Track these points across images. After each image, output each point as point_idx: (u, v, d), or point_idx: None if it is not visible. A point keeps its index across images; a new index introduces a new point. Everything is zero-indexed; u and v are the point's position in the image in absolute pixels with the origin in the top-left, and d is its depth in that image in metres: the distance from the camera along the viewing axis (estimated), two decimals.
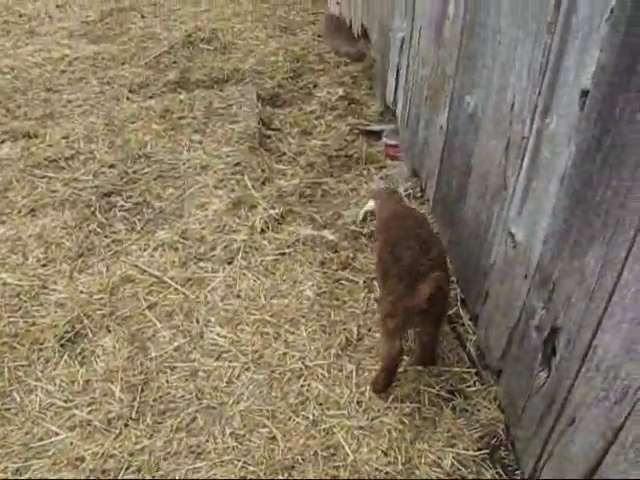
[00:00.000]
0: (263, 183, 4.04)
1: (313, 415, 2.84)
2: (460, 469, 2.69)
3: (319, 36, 6.34)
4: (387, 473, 2.67)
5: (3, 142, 4.75)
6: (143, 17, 7.45)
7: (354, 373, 2.99)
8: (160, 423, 2.84)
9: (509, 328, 2.77)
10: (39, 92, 5.60)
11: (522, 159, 2.57)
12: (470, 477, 2.67)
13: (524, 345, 2.66)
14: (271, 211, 3.76)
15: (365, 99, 5.12)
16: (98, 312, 3.27)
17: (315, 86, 5.26)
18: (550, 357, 2.37)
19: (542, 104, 2.39)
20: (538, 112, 2.43)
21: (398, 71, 4.45)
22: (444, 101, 3.50)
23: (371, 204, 3.49)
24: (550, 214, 2.33)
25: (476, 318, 3.16)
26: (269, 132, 4.63)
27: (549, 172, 2.33)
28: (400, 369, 2.96)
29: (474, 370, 3.04)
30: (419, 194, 4.03)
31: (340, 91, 5.07)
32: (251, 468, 2.68)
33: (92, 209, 3.96)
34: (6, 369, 3.09)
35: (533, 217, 2.49)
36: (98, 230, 3.78)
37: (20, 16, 7.83)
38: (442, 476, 2.67)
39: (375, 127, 4.58)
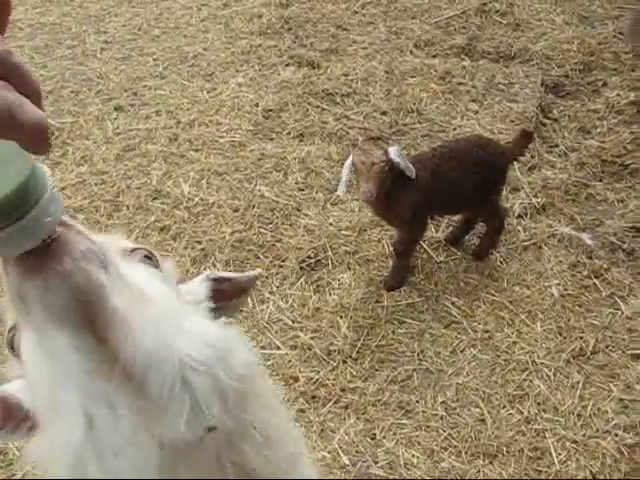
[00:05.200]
0: (530, 169, 3.90)
1: (528, 412, 2.74)
2: None
3: (620, 33, 5.97)
4: None
5: (287, 65, 4.93)
6: None
7: (580, 384, 2.84)
8: (377, 370, 2.87)
9: None
10: (329, 27, 5.73)
11: None
12: None
13: None
14: (533, 199, 3.63)
15: None
16: (343, 247, 3.34)
17: (604, 84, 4.96)
18: None
19: None
20: None
21: None
22: None
23: (347, 166, 3.03)
24: None
25: None
26: (546, 120, 4.44)
27: None
28: (624, 395, 2.79)
29: None
30: None
31: (631, 95, 4.73)
32: (454, 442, 2.65)
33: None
34: None
35: None
36: None
37: None
38: None
39: None
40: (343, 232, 3.41)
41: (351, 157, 2.98)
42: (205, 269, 3.28)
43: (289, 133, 4.18)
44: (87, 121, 4.33)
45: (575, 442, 2.67)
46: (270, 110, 4.36)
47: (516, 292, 3.16)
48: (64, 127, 4.25)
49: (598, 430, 2.71)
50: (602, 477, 2.57)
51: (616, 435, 2.69)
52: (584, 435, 2.69)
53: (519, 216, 3.54)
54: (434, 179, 3.00)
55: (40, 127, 0.68)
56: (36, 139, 0.69)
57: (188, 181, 3.78)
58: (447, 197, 3.08)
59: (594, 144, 4.24)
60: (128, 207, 3.67)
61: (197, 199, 3.67)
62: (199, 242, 3.42)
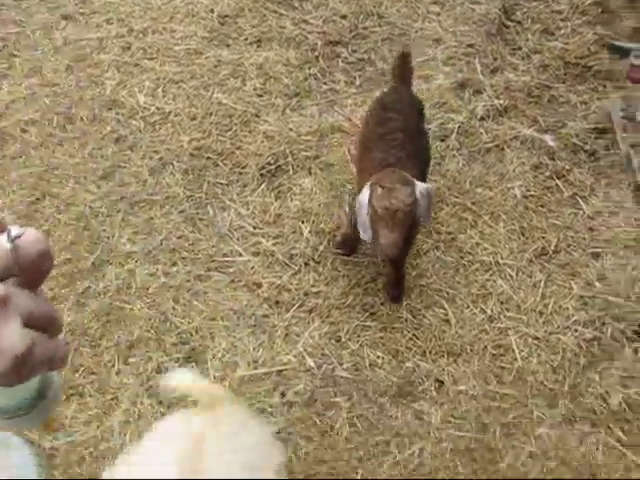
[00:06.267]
0: (493, 71, 3.83)
1: (492, 311, 2.76)
2: (626, 412, 2.56)
3: None
4: (551, 390, 2.58)
5: None
6: None
7: (542, 283, 2.86)
8: (339, 273, 2.86)
9: None
10: None
11: None
12: (635, 424, 2.54)
13: None
14: (495, 101, 3.58)
15: (621, 11, 4.71)
16: (303, 153, 3.28)
17: None
18: None
19: None
20: None
21: None
22: None
23: (364, 207, 2.47)
24: None
25: None
26: (509, 22, 4.35)
27: None
28: (584, 292, 2.82)
29: None
30: None
31: None
32: (419, 342, 2.68)
33: (316, 54, 3.90)
34: (206, 183, 3.19)
35: None
36: (318, 75, 3.74)
37: None
38: (606, 412, 2.55)
39: (624, 44, 4.21)
40: (303, 137, 3.34)
41: (366, 193, 2.41)
42: (164, 178, 3.21)
43: (246, 39, 4.04)
44: (34, 31, 4.14)
45: (537, 338, 2.70)
46: (226, 16, 4.20)
47: (479, 194, 3.15)
48: (10, 38, 4.07)
49: (559, 326, 2.74)
50: (562, 371, 2.62)
51: (576, 331, 2.73)
52: (545, 331, 2.72)
53: (481, 118, 3.48)
54: None
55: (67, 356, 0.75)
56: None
57: (143, 90, 3.66)
58: None
59: (557, 46, 4.18)
60: (82, 119, 3.55)
61: (153, 108, 3.55)
62: (157, 152, 3.33)
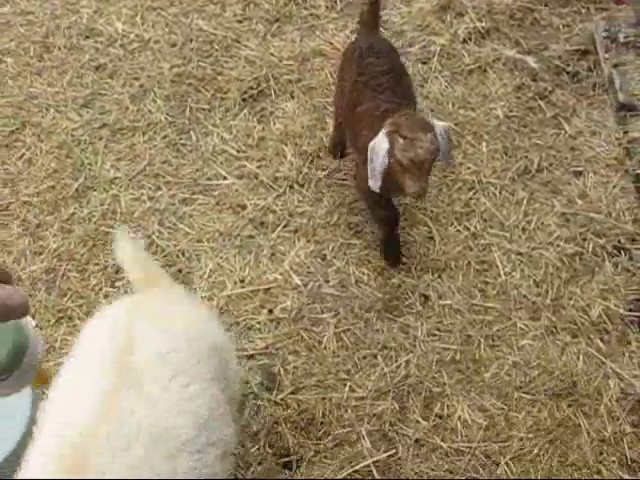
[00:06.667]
0: None
1: (475, 228, 2.79)
2: (606, 323, 2.61)
3: None
4: (534, 303, 2.63)
5: None
6: None
7: (525, 201, 2.89)
8: (323, 194, 2.87)
9: None
10: None
11: None
12: (614, 334, 2.59)
13: None
14: (478, 23, 3.55)
15: None
16: (285, 77, 3.25)
17: None
18: None
19: None
20: None
21: None
22: None
23: (383, 156, 2.28)
24: None
25: None
26: None
27: None
28: (566, 209, 2.86)
29: None
30: None
31: None
32: (404, 259, 2.70)
33: None
34: (188, 108, 3.17)
35: None
36: (299, 0, 3.69)
37: None
38: (587, 323, 2.61)
39: None
40: (285, 62, 3.31)
41: (384, 142, 2.24)
42: (145, 105, 3.19)
43: None
44: None
45: (520, 254, 2.74)
46: None
47: (461, 115, 3.15)
48: None
49: (541, 242, 2.78)
50: (544, 285, 2.67)
51: (558, 246, 2.77)
52: (528, 247, 2.76)
53: (464, 41, 3.46)
54: None
55: (27, 306, 0.79)
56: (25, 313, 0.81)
57: (121, 18, 3.60)
58: None
59: None
60: (59, 48, 3.49)
61: (132, 36, 3.50)
62: (137, 79, 3.29)
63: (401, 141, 2.20)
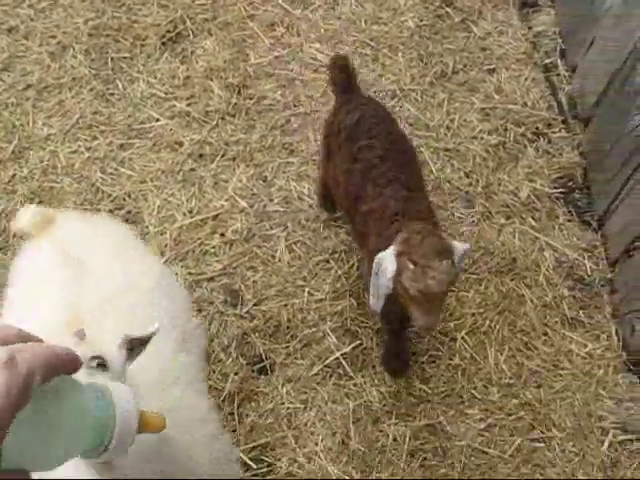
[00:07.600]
0: None
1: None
2: (535, 202, 2.81)
3: None
4: (467, 192, 2.80)
5: None
6: None
7: (446, 102, 3.05)
8: (255, 121, 2.97)
9: (610, 74, 2.76)
10: None
11: None
12: (544, 211, 2.79)
13: (624, 89, 2.67)
14: None
15: None
16: (200, 16, 3.31)
17: None
18: None
19: None
20: None
21: None
22: None
23: (387, 280, 1.88)
24: None
25: (574, 69, 3.15)
26: None
27: None
28: (485, 105, 3.02)
29: (561, 118, 3.06)
30: None
31: None
32: None
33: None
34: (110, 59, 3.21)
35: None
36: None
37: None
38: (518, 204, 2.80)
39: None
40: (197, 2, 3.36)
41: (392, 264, 1.81)
42: (67, 61, 3.21)
43: None
44: None
45: (447, 150, 2.91)
46: None
47: (375, 30, 3.27)
48: None
49: (466, 137, 2.95)
50: (474, 175, 2.84)
51: (482, 139, 2.95)
52: (454, 143, 2.93)
53: None
54: None
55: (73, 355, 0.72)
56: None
57: None
58: None
59: None
60: None
61: None
62: (54, 37, 3.30)
63: (411, 267, 1.76)
